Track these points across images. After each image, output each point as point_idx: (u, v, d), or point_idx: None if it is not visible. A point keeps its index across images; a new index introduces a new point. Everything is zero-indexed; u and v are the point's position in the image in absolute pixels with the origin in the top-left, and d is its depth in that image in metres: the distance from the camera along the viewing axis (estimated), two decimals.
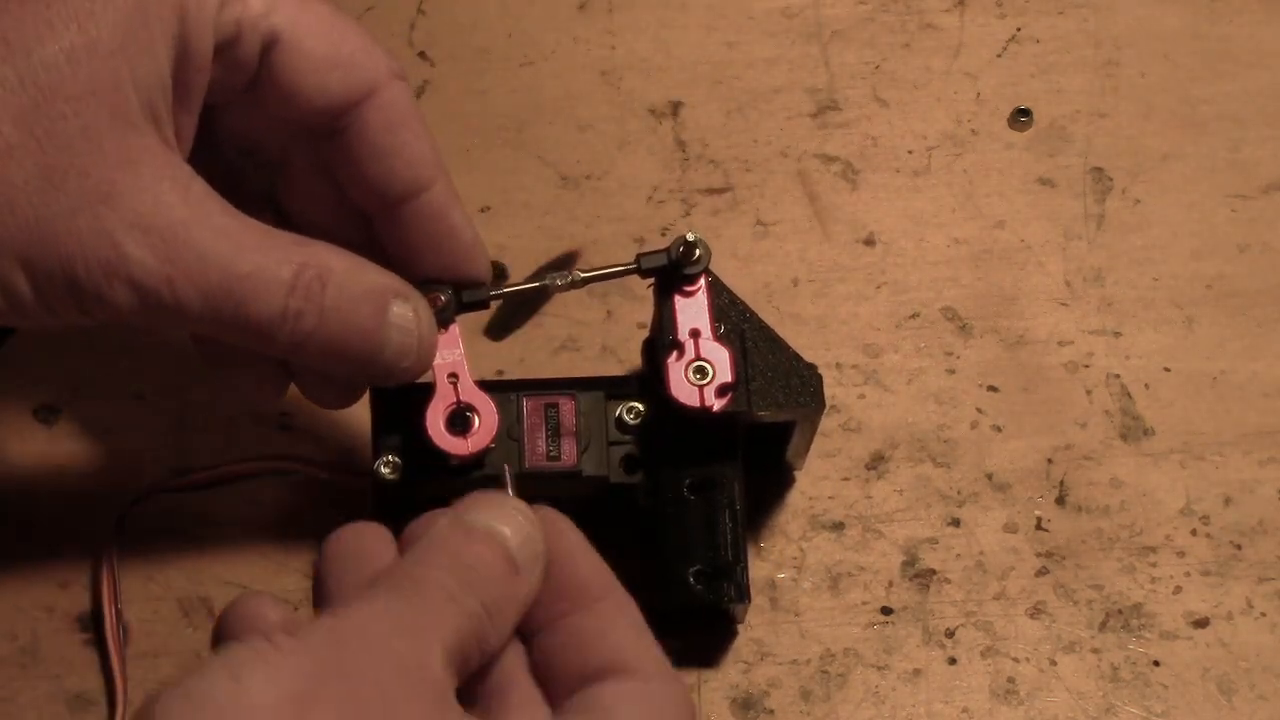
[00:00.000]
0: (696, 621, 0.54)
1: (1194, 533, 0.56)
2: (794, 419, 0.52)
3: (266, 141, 0.49)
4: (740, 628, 0.54)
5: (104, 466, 0.56)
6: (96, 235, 0.42)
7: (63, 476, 0.56)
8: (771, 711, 0.54)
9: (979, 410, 0.58)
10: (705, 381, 0.50)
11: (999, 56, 0.64)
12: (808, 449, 0.55)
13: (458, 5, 0.64)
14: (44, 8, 0.42)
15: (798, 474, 0.57)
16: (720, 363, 0.50)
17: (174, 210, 0.43)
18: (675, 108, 0.63)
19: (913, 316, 0.60)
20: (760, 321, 0.52)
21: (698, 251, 0.51)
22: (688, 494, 0.52)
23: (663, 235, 0.60)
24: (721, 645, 0.55)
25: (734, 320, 0.51)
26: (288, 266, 0.44)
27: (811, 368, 0.51)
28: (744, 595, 0.52)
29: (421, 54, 0.64)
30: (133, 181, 0.42)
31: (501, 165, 0.62)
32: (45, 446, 0.57)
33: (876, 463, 0.57)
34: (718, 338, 0.51)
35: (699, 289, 0.51)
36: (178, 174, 0.43)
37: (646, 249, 0.52)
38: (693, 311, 0.51)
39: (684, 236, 0.51)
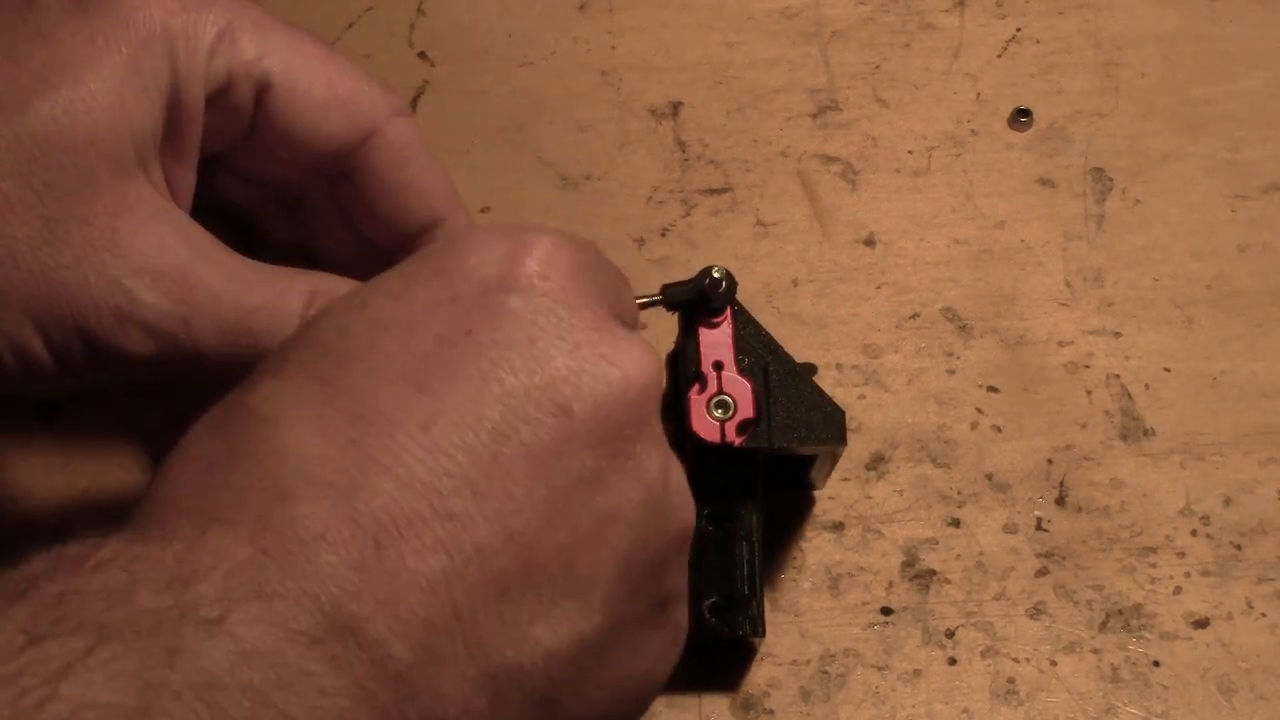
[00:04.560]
0: (714, 652, 0.53)
1: (1194, 533, 0.56)
2: (815, 454, 0.52)
3: (282, 186, 0.49)
4: None
5: (104, 466, 0.56)
6: (105, 283, 0.42)
7: (63, 476, 0.56)
8: (771, 712, 0.54)
9: (979, 410, 0.58)
10: (726, 417, 0.50)
11: (999, 57, 0.64)
12: (830, 473, 0.55)
13: (458, 5, 0.64)
14: (40, 65, 0.42)
15: (816, 492, 0.57)
16: (742, 397, 0.50)
17: (178, 251, 0.43)
18: (675, 108, 0.63)
19: (913, 317, 0.60)
20: (785, 354, 0.51)
21: (724, 285, 0.50)
22: (706, 524, 0.51)
23: (663, 236, 0.60)
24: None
25: (758, 352, 0.50)
26: (298, 296, 0.44)
27: (834, 403, 0.51)
28: (758, 629, 0.51)
29: (421, 54, 0.63)
30: (134, 227, 0.42)
31: (501, 165, 0.62)
32: (45, 446, 0.57)
33: (876, 463, 0.57)
34: (740, 371, 0.50)
35: (724, 319, 0.50)
36: (175, 217, 0.44)
37: (670, 281, 0.50)
38: (717, 342, 0.50)
39: (709, 270, 0.50)
